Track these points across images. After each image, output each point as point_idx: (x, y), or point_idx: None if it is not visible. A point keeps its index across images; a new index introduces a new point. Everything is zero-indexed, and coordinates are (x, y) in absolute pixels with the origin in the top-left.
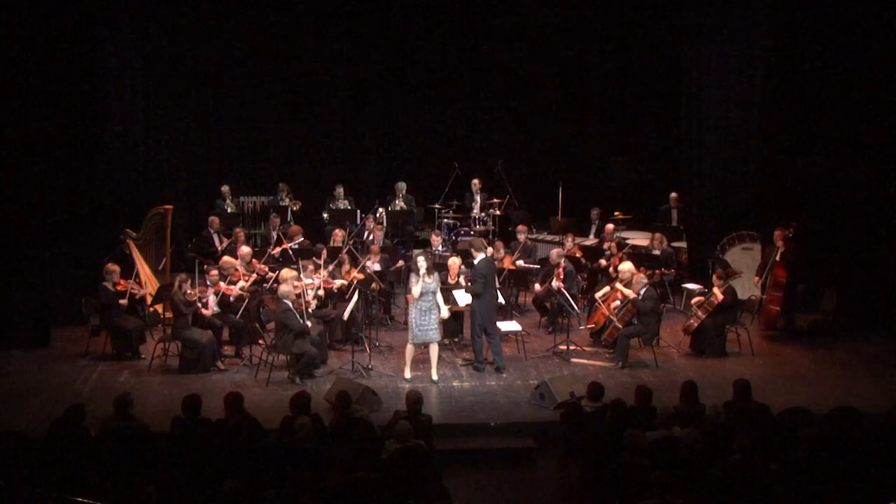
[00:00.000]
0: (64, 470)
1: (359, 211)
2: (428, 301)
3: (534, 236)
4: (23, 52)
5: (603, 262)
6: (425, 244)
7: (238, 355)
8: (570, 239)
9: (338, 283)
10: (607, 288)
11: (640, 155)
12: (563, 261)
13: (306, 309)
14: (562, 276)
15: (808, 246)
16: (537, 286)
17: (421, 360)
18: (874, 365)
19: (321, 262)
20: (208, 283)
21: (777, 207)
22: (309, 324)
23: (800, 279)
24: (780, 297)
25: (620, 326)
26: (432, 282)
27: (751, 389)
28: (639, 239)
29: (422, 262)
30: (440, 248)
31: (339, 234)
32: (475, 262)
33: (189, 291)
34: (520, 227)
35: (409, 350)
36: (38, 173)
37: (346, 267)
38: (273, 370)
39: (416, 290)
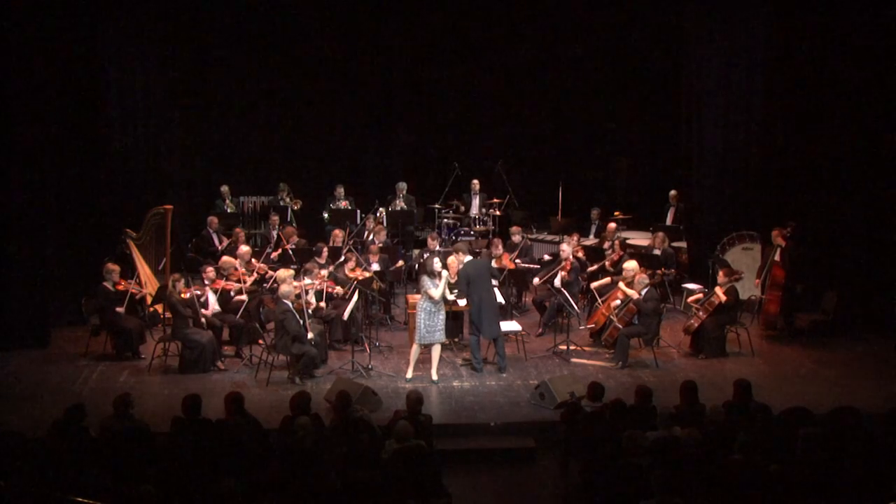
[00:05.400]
0: (64, 470)
1: (359, 211)
2: (435, 302)
3: (534, 236)
4: (24, 52)
5: (608, 262)
6: (425, 244)
7: (238, 355)
8: (574, 238)
9: (338, 288)
10: (606, 280)
11: (640, 155)
12: (570, 257)
13: (307, 309)
14: (568, 268)
15: (807, 246)
16: (536, 280)
17: (421, 360)
18: (874, 365)
19: (322, 261)
20: (206, 281)
21: (777, 207)
22: (309, 334)
23: (799, 279)
24: (779, 297)
25: (621, 326)
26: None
27: (751, 389)
28: (639, 239)
29: (438, 264)
30: (438, 249)
31: (339, 234)
32: (461, 264)
33: (183, 290)
34: (513, 229)
35: (415, 350)
36: (39, 174)
37: (352, 265)
38: (273, 370)
39: (436, 292)
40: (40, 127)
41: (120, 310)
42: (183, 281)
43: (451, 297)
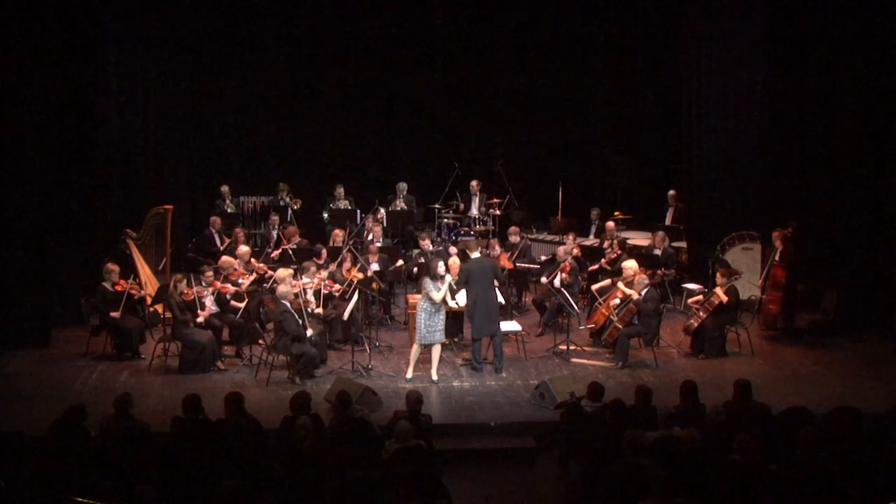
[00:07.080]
0: (64, 470)
1: (359, 211)
2: (435, 303)
3: (534, 236)
4: (23, 52)
5: (604, 260)
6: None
7: (238, 355)
8: (570, 238)
9: (337, 286)
10: (607, 281)
11: (640, 155)
12: (569, 258)
13: (305, 308)
14: (568, 269)
15: (807, 246)
16: (543, 279)
17: (421, 360)
18: (874, 365)
19: (321, 261)
20: (203, 283)
21: (777, 207)
22: (309, 331)
23: (800, 279)
24: (780, 297)
25: (621, 326)
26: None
27: (751, 389)
28: (639, 239)
29: (441, 267)
30: (430, 249)
31: (339, 234)
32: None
33: (185, 291)
34: (511, 229)
35: (415, 350)
36: (39, 173)
37: (348, 265)
38: (273, 370)
39: (438, 295)
40: (40, 127)
41: (115, 314)
42: (185, 281)
43: (452, 303)
